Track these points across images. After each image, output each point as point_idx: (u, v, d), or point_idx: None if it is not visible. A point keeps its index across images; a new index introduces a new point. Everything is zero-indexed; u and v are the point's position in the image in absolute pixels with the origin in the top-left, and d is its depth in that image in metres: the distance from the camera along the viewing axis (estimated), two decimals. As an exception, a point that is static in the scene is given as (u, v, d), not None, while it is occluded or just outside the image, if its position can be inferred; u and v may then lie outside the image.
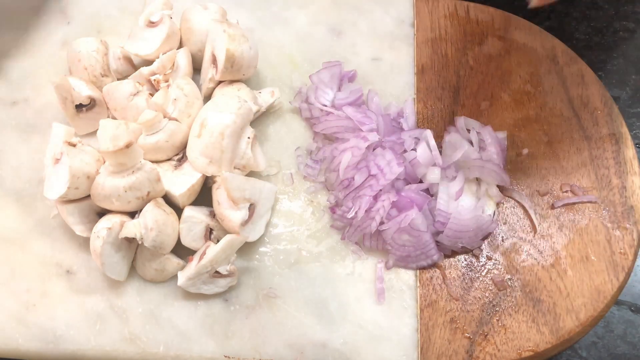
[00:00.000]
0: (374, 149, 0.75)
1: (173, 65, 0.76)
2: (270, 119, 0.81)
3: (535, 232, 0.74)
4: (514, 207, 0.76)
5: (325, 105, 0.78)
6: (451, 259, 0.73)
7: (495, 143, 0.77)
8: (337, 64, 0.81)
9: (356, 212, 0.72)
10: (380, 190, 0.72)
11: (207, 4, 0.81)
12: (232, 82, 0.77)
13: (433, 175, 0.74)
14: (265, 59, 0.84)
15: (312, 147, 0.79)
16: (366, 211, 0.72)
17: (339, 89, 0.80)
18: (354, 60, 0.85)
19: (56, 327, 0.68)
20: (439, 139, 0.79)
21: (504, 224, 0.75)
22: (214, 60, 0.76)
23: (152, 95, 0.74)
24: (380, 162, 0.73)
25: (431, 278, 0.72)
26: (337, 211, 0.74)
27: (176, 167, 0.72)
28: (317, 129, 0.78)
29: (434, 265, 0.72)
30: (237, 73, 0.76)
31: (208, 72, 0.77)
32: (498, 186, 0.76)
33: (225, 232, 0.69)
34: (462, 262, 0.73)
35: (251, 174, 0.74)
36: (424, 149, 0.75)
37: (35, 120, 0.80)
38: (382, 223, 0.71)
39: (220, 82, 0.77)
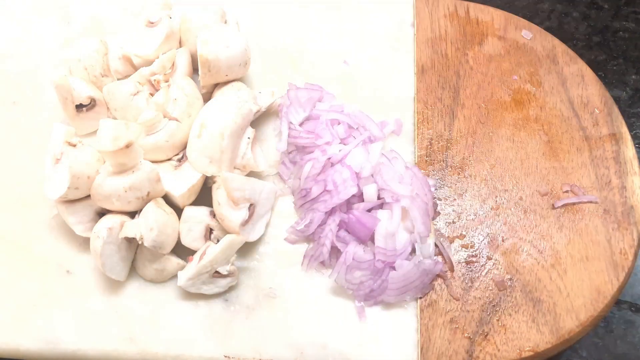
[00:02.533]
0: (335, 164, 0.73)
1: (173, 65, 0.76)
2: (270, 119, 0.81)
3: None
4: (514, 207, 0.76)
5: (292, 123, 0.76)
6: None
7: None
8: (318, 88, 0.79)
9: (306, 226, 0.71)
10: (333, 208, 0.71)
11: (207, 4, 0.81)
12: (231, 82, 0.77)
13: (369, 192, 0.71)
14: (266, 59, 0.84)
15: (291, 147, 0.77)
16: (317, 231, 0.70)
17: (312, 109, 0.78)
18: (354, 60, 0.85)
19: (56, 327, 0.68)
20: (439, 140, 0.79)
21: (504, 224, 0.75)
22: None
23: (152, 95, 0.74)
24: (337, 178, 0.71)
25: (431, 278, 0.72)
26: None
27: (176, 167, 0.72)
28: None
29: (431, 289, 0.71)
30: (218, 75, 0.74)
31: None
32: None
33: (225, 232, 0.69)
34: (462, 262, 0.73)
35: (251, 174, 0.74)
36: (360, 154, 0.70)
37: (35, 120, 0.80)
38: (333, 247, 0.70)
39: (216, 84, 0.77)
